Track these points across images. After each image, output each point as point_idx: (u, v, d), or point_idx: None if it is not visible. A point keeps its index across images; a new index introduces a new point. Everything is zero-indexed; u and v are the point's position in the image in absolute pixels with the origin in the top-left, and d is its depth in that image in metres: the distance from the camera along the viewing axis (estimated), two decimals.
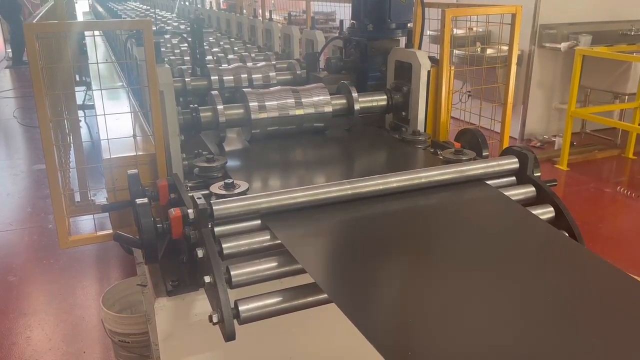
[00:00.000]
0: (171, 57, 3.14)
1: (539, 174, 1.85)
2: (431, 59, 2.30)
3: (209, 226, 1.45)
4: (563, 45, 6.34)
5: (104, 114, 1.91)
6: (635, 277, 1.34)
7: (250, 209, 1.52)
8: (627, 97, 6.37)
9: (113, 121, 1.97)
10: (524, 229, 1.62)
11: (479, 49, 5.04)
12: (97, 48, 4.58)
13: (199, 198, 1.45)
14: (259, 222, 1.54)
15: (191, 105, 2.09)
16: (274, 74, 2.71)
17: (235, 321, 1.29)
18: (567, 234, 1.65)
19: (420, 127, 2.27)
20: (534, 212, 1.67)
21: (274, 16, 3.96)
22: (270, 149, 2.17)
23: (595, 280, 1.39)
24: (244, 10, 4.59)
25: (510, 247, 1.54)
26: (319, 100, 2.21)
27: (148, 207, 1.54)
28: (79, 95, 6.51)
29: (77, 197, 3.59)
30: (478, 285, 1.34)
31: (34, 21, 2.48)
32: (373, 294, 1.29)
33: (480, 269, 1.40)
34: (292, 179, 1.97)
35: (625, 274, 1.36)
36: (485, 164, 1.83)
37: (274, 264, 1.42)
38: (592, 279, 1.40)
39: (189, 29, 2.80)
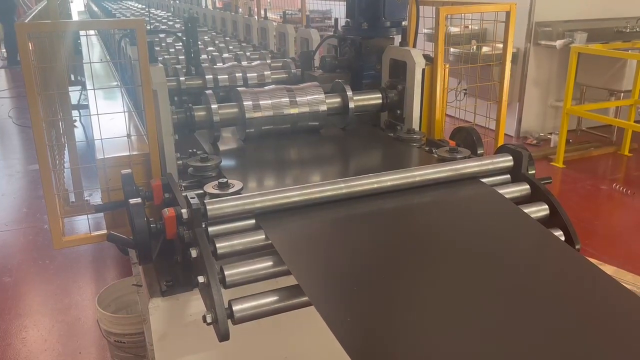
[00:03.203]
0: (165, 57, 3.13)
1: (533, 171, 1.85)
2: (426, 57, 2.30)
3: (203, 226, 1.45)
4: (558, 43, 6.35)
5: (98, 114, 1.90)
6: (632, 274, 1.34)
7: (244, 209, 1.52)
8: (622, 94, 6.38)
9: (107, 121, 1.96)
10: (516, 228, 1.62)
11: (474, 47, 5.04)
12: (92, 47, 4.57)
13: (192, 198, 1.44)
14: (253, 221, 1.53)
15: (185, 105, 2.09)
16: (269, 72, 2.71)
17: (229, 321, 1.29)
18: (560, 232, 1.65)
19: (415, 125, 2.26)
20: (528, 209, 1.67)
21: (269, 15, 3.95)
22: (265, 148, 2.17)
23: (583, 282, 1.39)
24: (239, 9, 4.58)
25: (501, 246, 1.53)
26: (314, 99, 2.20)
27: (141, 207, 1.54)
28: (75, 95, 6.50)
29: (72, 198, 3.58)
30: (469, 285, 1.33)
31: (26, 21, 2.47)
32: (358, 298, 1.28)
33: (471, 269, 1.40)
34: (287, 178, 1.97)
35: (611, 278, 1.36)
36: (479, 162, 1.83)
37: (268, 263, 1.41)
38: (580, 281, 1.40)
39: (183, 27, 2.79)
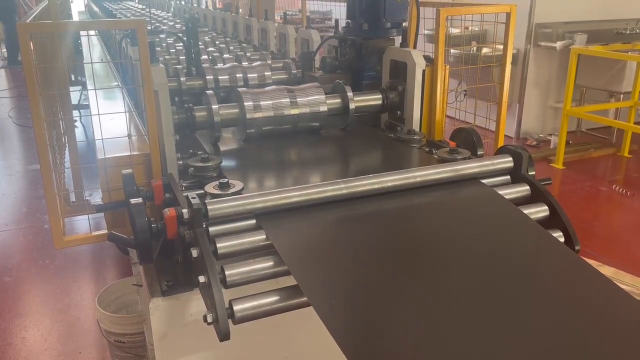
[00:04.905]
0: (166, 57, 3.14)
1: (533, 172, 1.85)
2: (426, 58, 2.30)
3: (204, 226, 1.45)
4: (558, 44, 6.36)
5: (99, 114, 1.90)
6: (631, 276, 1.35)
7: (245, 209, 1.52)
8: (622, 95, 6.39)
9: (108, 121, 1.96)
10: (515, 230, 1.62)
11: (474, 48, 5.04)
12: (93, 48, 4.58)
13: (193, 198, 1.45)
14: (253, 221, 1.53)
15: (186, 105, 2.09)
16: (270, 73, 2.71)
17: (230, 321, 1.29)
18: (560, 233, 1.65)
19: (416, 126, 2.27)
20: (528, 210, 1.68)
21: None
22: (266, 149, 2.17)
23: (583, 285, 1.39)
24: (240, 10, 4.59)
25: (501, 247, 1.54)
26: (314, 100, 2.21)
27: (142, 207, 1.54)
28: (75, 95, 6.51)
29: (73, 197, 3.59)
30: (467, 286, 1.34)
31: (27, 21, 2.47)
32: (355, 297, 1.29)
33: (471, 269, 1.40)
34: (287, 179, 1.97)
35: (610, 280, 1.36)
36: (479, 163, 1.83)
37: (269, 263, 1.42)
38: (579, 284, 1.40)
39: (184, 28, 2.80)
